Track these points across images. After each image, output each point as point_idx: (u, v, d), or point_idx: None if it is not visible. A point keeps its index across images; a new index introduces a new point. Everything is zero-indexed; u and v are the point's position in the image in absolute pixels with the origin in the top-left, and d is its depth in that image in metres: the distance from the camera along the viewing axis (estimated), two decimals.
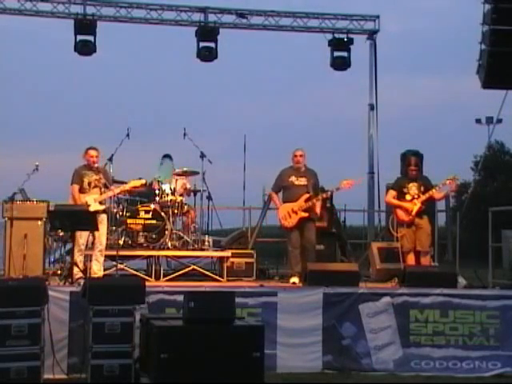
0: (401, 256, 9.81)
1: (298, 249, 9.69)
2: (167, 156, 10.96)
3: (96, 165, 9.41)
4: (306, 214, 9.63)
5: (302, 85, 46.79)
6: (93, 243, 9.40)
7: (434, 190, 9.70)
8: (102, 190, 9.41)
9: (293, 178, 9.79)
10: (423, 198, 9.63)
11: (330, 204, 11.46)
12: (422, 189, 9.68)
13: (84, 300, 7.44)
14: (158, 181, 10.56)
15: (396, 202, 9.78)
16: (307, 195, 9.65)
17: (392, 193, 9.91)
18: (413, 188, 9.71)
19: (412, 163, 9.84)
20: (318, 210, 9.77)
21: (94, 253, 9.30)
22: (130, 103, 42.11)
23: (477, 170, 26.77)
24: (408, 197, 9.69)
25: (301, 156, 9.84)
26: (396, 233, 9.99)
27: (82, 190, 9.32)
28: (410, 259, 9.65)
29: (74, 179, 9.37)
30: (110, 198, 9.75)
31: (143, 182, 9.85)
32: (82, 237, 9.17)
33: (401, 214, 9.69)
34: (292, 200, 9.69)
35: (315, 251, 9.89)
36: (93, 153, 9.39)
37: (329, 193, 9.80)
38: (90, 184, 9.35)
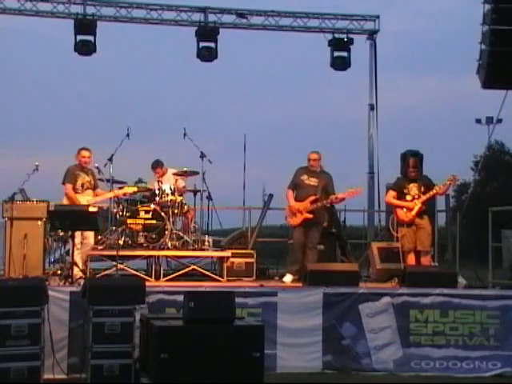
0: (401, 256, 9.81)
1: (299, 246, 9.72)
2: (157, 162, 11.09)
3: (88, 166, 9.47)
4: (310, 216, 9.68)
5: (302, 85, 46.89)
6: (81, 243, 9.41)
7: (436, 189, 9.66)
8: (94, 192, 9.47)
9: (304, 177, 9.87)
10: (423, 198, 9.62)
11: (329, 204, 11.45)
12: (423, 189, 9.67)
13: (84, 300, 7.44)
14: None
15: (396, 201, 9.78)
16: (313, 197, 9.67)
17: (392, 193, 9.91)
18: (413, 188, 9.70)
19: (410, 164, 9.82)
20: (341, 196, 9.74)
21: (81, 252, 9.31)
22: (129, 103, 42.19)
23: (477, 169, 26.76)
24: (408, 197, 9.69)
25: (314, 160, 9.90)
26: (396, 233, 9.99)
27: (74, 191, 9.33)
28: (411, 259, 9.65)
29: (67, 178, 9.39)
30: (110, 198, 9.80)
31: (135, 189, 9.92)
32: (77, 237, 9.19)
33: (401, 214, 9.69)
34: (300, 199, 9.78)
35: (316, 252, 9.91)
36: (85, 153, 9.46)
37: (330, 200, 9.74)
38: (82, 185, 9.41)
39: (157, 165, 11.17)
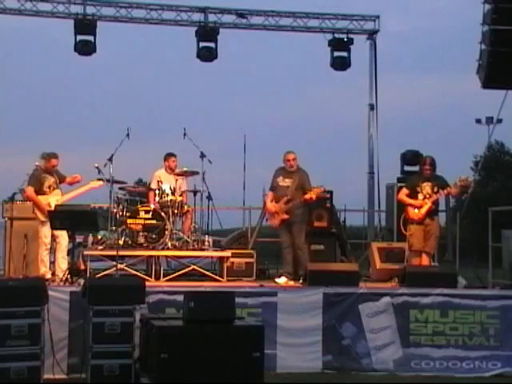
0: (407, 254, 9.78)
1: (288, 248, 9.76)
2: (169, 153, 11.04)
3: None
4: (286, 216, 9.67)
5: (302, 85, 46.76)
6: (55, 242, 9.38)
7: (448, 189, 9.62)
8: (61, 191, 9.48)
9: (280, 179, 9.86)
10: (434, 197, 9.55)
11: (330, 204, 11.45)
12: (436, 189, 9.61)
13: (84, 300, 7.45)
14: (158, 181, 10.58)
15: (407, 200, 9.72)
16: (286, 198, 9.67)
17: (405, 191, 9.83)
18: (426, 187, 9.63)
19: (427, 163, 9.73)
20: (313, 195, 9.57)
21: (58, 251, 9.28)
22: (129, 103, 42.12)
23: (477, 170, 26.71)
24: (420, 196, 9.62)
25: (291, 160, 9.85)
26: (405, 231, 9.94)
27: (42, 193, 9.26)
28: (415, 262, 9.58)
29: (31, 181, 9.29)
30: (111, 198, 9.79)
31: (101, 183, 9.79)
32: (47, 236, 9.16)
33: (411, 211, 9.62)
34: (277, 200, 9.79)
35: (309, 252, 9.92)
36: (56, 161, 9.42)
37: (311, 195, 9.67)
38: (49, 187, 9.34)
39: (168, 155, 11.01)
